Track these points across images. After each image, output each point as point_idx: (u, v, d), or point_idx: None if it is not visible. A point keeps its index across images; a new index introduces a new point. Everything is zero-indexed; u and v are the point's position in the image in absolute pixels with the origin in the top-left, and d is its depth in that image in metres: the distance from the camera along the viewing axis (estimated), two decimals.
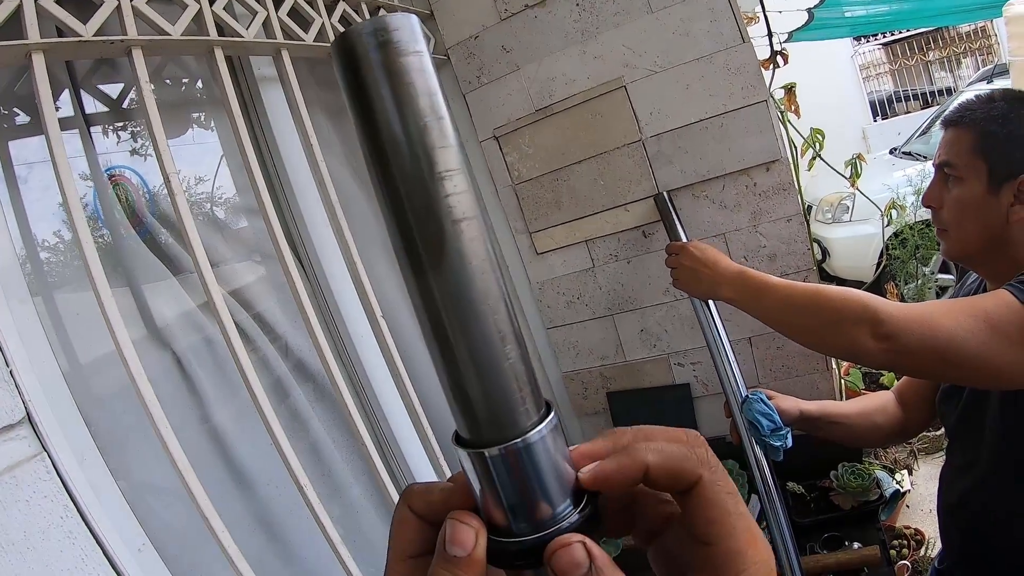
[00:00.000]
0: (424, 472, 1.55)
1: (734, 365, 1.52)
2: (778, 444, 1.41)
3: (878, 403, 1.53)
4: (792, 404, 1.46)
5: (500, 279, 0.29)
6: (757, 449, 1.47)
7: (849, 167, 2.41)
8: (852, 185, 2.38)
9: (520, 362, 0.30)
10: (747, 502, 1.74)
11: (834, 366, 1.91)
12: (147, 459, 1.09)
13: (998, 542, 1.26)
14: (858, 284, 4.55)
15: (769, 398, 1.44)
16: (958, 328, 1.00)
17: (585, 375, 2.13)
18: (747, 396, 1.45)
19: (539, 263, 2.05)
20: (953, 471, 1.36)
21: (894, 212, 2.58)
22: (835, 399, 1.85)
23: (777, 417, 1.42)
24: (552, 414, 0.32)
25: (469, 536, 0.31)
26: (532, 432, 0.30)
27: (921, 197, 1.22)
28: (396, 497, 1.36)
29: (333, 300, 1.57)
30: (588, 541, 0.30)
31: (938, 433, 1.43)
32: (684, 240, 1.63)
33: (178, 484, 0.98)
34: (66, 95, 1.20)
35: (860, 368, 2.41)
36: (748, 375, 1.56)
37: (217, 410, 1.28)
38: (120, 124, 1.32)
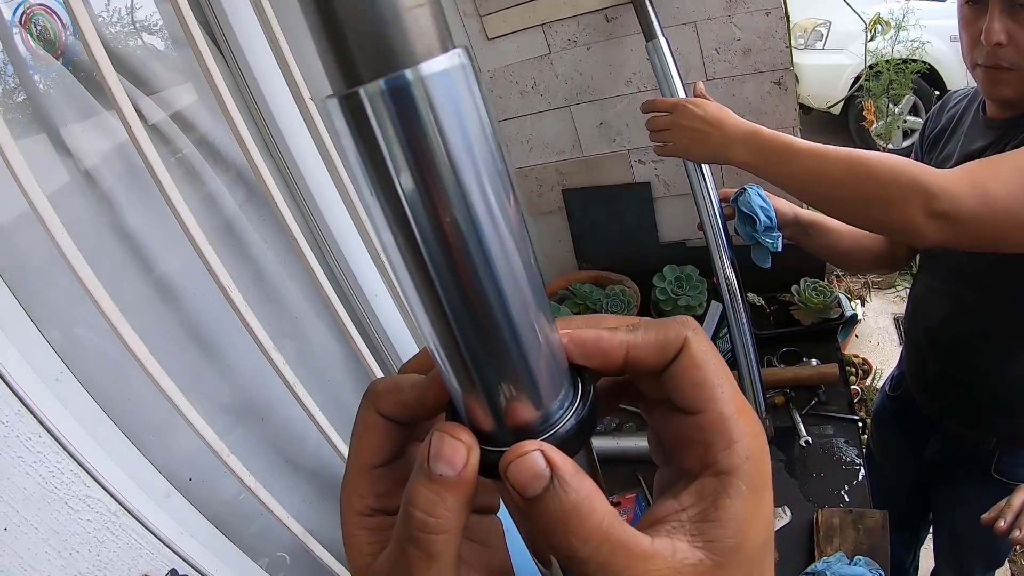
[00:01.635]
0: (363, 268, 1.46)
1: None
2: (769, 243, 1.32)
3: None
4: (787, 206, 1.37)
5: None
6: (723, 253, 1.40)
7: None
8: None
9: None
10: (707, 308, 1.69)
11: None
12: (64, 286, 0.98)
13: (981, 368, 1.25)
14: (825, 112, 4.67)
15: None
16: (1010, 196, 0.92)
17: (540, 171, 2.05)
18: (744, 188, 1.35)
19: (490, 49, 1.88)
20: (932, 293, 1.33)
21: (879, 27, 2.41)
22: None
23: (774, 215, 1.33)
24: (462, 50, 0.21)
25: (460, 453, 0.26)
26: (430, 61, 0.20)
27: (984, 35, 1.04)
28: (334, 297, 1.28)
29: (258, 87, 1.40)
30: (548, 448, 0.25)
31: None
32: (678, 88, 1.42)
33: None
34: None
35: None
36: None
37: (134, 222, 1.16)
38: None
